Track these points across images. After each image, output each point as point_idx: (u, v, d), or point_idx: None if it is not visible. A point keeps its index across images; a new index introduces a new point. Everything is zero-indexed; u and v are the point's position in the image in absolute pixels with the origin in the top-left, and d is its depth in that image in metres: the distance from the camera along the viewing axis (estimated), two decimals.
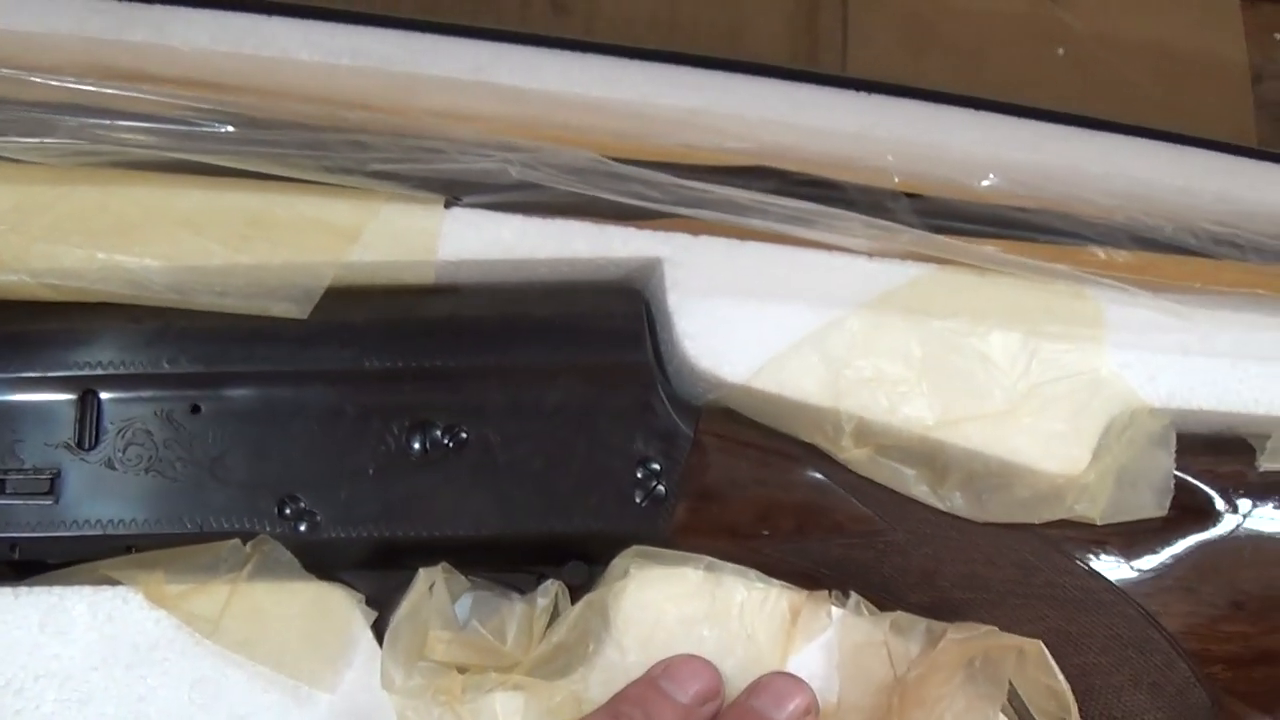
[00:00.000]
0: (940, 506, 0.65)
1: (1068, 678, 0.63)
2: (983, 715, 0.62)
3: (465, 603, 0.64)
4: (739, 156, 0.68)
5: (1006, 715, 0.63)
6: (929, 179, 0.68)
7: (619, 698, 0.61)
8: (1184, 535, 0.66)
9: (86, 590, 0.62)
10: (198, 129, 0.63)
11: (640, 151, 0.68)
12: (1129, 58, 0.83)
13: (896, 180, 0.68)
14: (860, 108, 0.69)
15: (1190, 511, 0.66)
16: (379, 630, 0.63)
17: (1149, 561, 0.65)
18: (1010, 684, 0.63)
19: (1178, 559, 0.66)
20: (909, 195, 0.68)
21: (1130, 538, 0.66)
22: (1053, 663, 0.62)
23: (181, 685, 0.62)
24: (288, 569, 0.62)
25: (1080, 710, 0.63)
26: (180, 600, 0.62)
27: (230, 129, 0.63)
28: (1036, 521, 0.65)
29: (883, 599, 0.65)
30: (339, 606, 0.63)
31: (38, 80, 0.62)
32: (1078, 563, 0.65)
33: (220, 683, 0.62)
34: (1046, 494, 0.65)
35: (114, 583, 0.62)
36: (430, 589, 0.62)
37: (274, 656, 0.62)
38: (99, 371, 0.63)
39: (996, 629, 0.63)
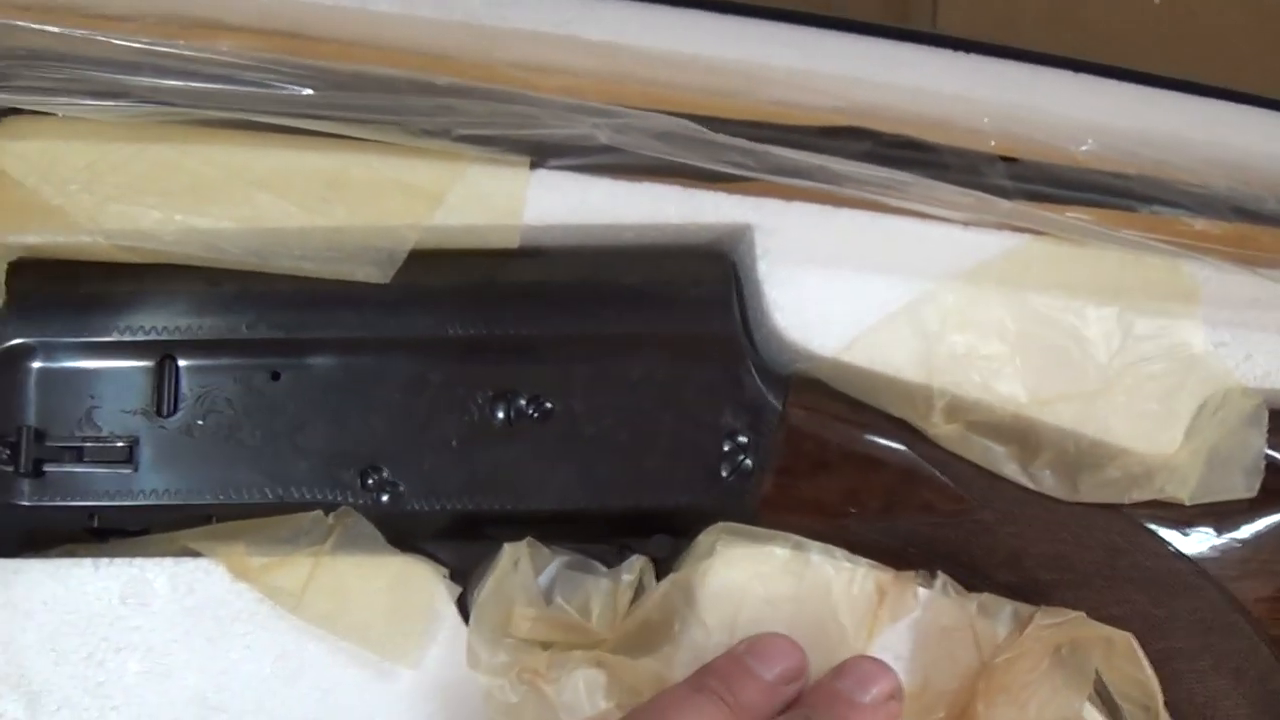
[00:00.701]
0: (1030, 486, 0.64)
1: (1151, 661, 0.62)
2: (1068, 704, 0.61)
3: (548, 573, 0.64)
4: (832, 116, 0.66)
5: (1090, 703, 0.63)
6: (1026, 143, 0.66)
7: (704, 671, 0.61)
8: (1271, 517, 0.65)
9: (167, 562, 0.61)
10: (277, 91, 0.60)
11: (730, 109, 0.66)
12: (1226, 7, 0.80)
13: (993, 144, 0.66)
14: (957, 68, 0.66)
15: (1278, 494, 0.65)
16: (462, 604, 0.63)
17: (1235, 544, 0.65)
18: None
19: (1264, 542, 0.65)
20: (1005, 159, 0.66)
21: (1218, 519, 0.65)
22: (1142, 655, 0.61)
23: (264, 659, 0.61)
24: (370, 542, 0.62)
25: (1163, 694, 0.63)
26: (263, 573, 0.61)
27: (310, 92, 0.60)
28: (1126, 502, 0.64)
29: (968, 579, 0.64)
30: (423, 581, 0.62)
31: (112, 40, 0.59)
32: (1165, 545, 0.64)
33: (302, 657, 0.61)
34: (1137, 474, 0.64)
35: (195, 554, 0.62)
36: (515, 565, 0.62)
37: (357, 631, 0.61)
38: (177, 336, 0.62)
39: (1084, 615, 0.62)
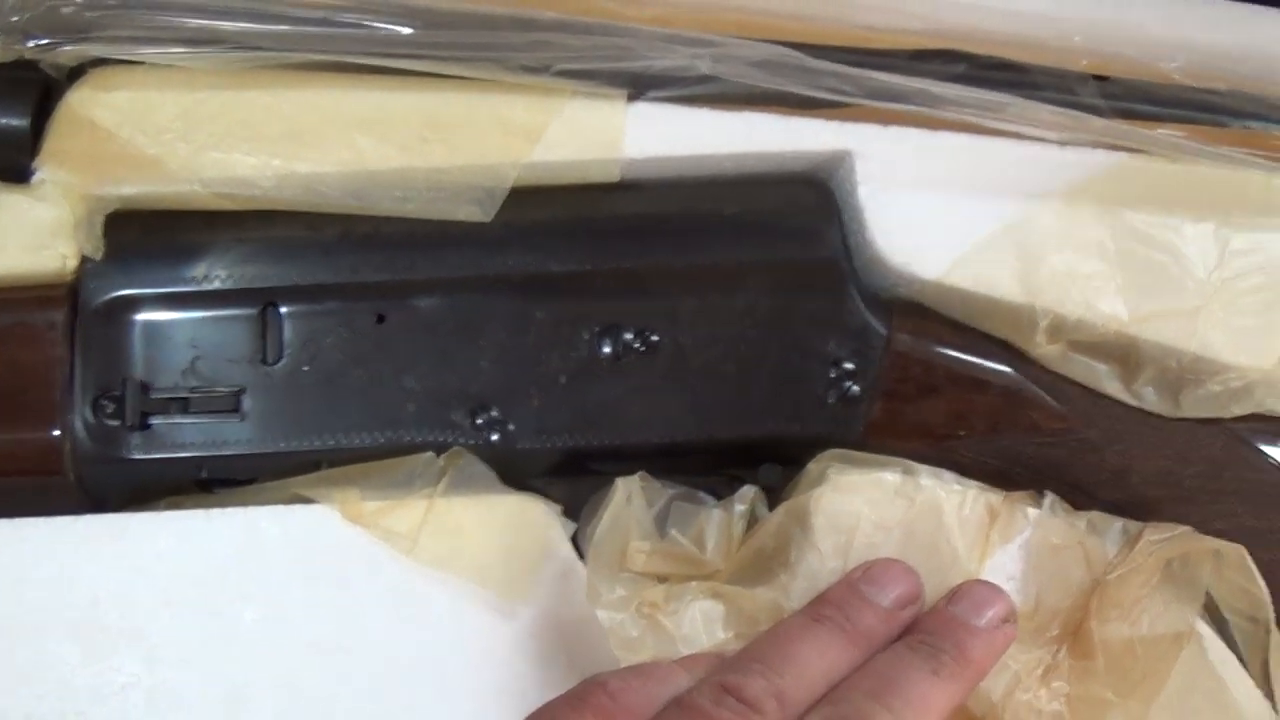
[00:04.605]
0: (1132, 403, 0.64)
1: None
2: (1180, 617, 0.62)
3: (660, 506, 0.63)
4: (922, 39, 0.65)
5: (1201, 617, 0.63)
6: (1117, 60, 0.66)
7: (819, 600, 0.61)
8: None
9: (280, 510, 0.61)
10: (375, 31, 0.59)
11: (820, 35, 0.65)
12: None
13: (1084, 62, 0.66)
14: None
15: None
16: (575, 540, 0.63)
17: None
18: None
19: None
20: (1097, 78, 0.66)
21: None
22: (1254, 567, 0.62)
23: (382, 603, 0.61)
24: (483, 481, 0.62)
25: None
26: (377, 517, 0.61)
27: (409, 31, 0.60)
28: (1227, 416, 0.65)
29: (1075, 498, 0.64)
30: (538, 519, 0.62)
31: None
32: (1267, 458, 0.65)
33: (421, 599, 0.61)
34: (1237, 389, 0.64)
35: (307, 501, 0.61)
36: (628, 499, 0.61)
37: (474, 571, 0.61)
38: (279, 283, 0.62)
39: (1193, 530, 0.63)
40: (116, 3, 0.59)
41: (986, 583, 0.62)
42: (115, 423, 0.61)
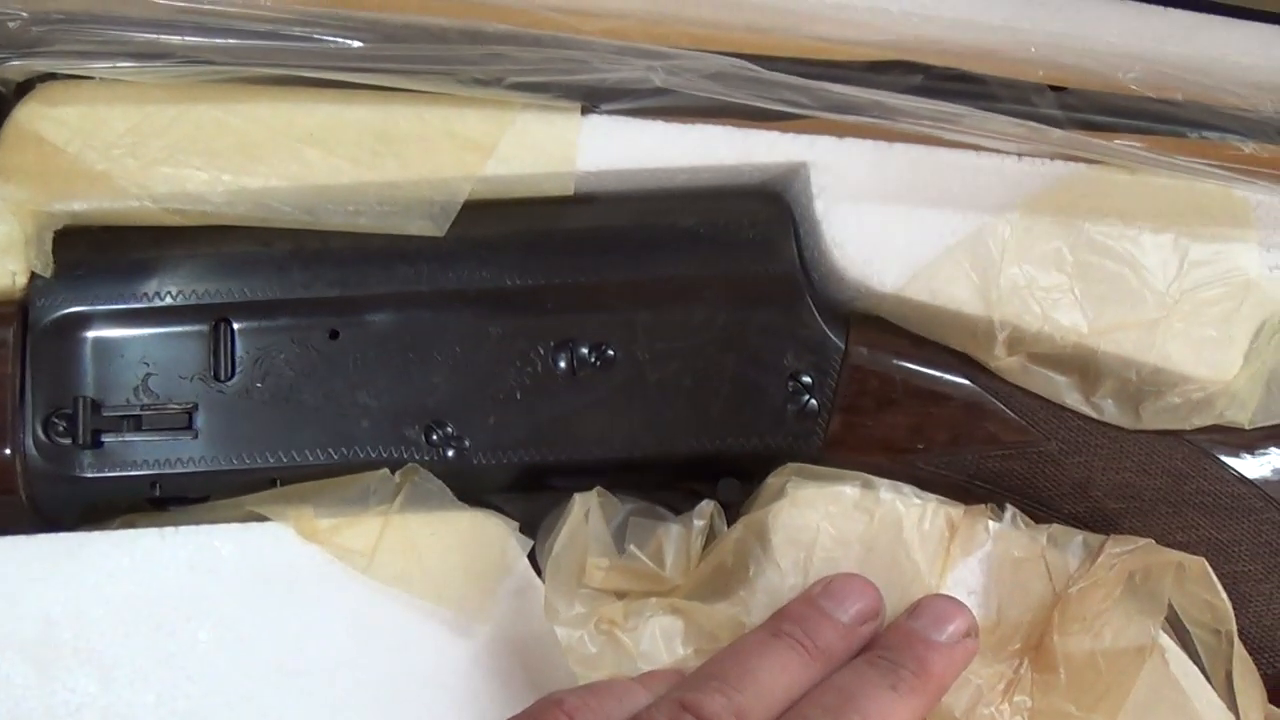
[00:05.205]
0: (1093, 415, 0.64)
1: None
2: (1143, 630, 0.61)
3: (618, 522, 0.63)
4: (877, 50, 0.65)
5: (1162, 629, 0.63)
6: (1073, 71, 0.66)
7: (779, 616, 0.61)
8: None
9: (234, 528, 0.61)
10: (325, 45, 0.59)
11: (774, 47, 0.65)
12: None
13: (1041, 74, 0.65)
14: None
15: None
16: (533, 557, 0.62)
17: None
18: None
19: None
20: (1054, 89, 0.66)
21: (1279, 442, 0.65)
22: (1215, 579, 0.61)
23: (337, 621, 0.61)
24: (439, 498, 0.61)
25: None
26: (332, 534, 0.60)
27: (359, 44, 0.59)
28: (1187, 428, 0.65)
29: (1036, 510, 0.64)
30: (494, 535, 0.62)
31: None
32: (1228, 469, 0.64)
33: (376, 618, 0.61)
34: (1198, 400, 0.64)
35: (262, 519, 0.61)
36: (586, 515, 0.61)
37: (431, 589, 0.61)
38: (231, 299, 0.61)
39: (1154, 542, 0.62)
40: (64, 17, 0.59)
41: (947, 597, 0.61)
42: (67, 441, 0.60)
